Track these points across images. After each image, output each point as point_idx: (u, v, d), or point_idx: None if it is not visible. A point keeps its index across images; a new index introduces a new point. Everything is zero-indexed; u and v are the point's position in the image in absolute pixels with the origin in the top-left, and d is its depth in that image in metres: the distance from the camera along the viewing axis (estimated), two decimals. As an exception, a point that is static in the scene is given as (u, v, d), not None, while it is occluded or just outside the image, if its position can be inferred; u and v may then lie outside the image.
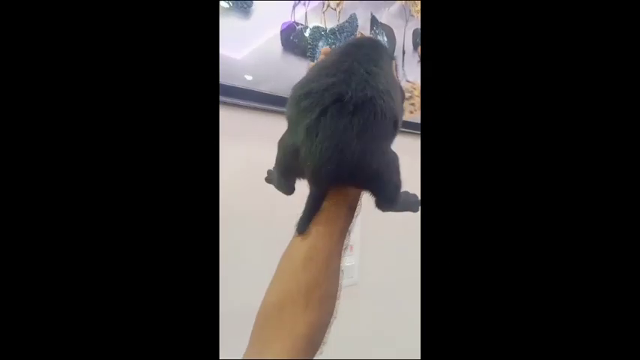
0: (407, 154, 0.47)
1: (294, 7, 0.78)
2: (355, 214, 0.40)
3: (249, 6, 0.71)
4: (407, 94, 1.00)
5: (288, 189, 0.43)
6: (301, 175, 0.38)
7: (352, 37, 0.88)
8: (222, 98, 0.67)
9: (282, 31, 0.76)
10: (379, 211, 0.45)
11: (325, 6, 0.83)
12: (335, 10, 0.85)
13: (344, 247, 0.39)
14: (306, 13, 0.80)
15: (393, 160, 0.38)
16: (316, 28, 0.82)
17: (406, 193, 0.45)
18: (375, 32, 0.93)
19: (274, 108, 0.73)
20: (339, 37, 0.85)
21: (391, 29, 0.96)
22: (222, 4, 0.68)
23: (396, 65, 0.43)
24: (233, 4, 0.69)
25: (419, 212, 0.50)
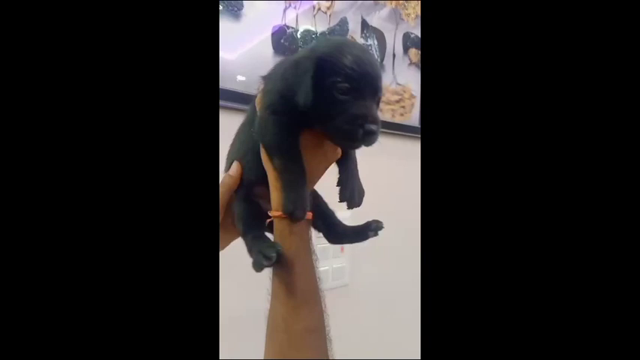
0: (398, 156, 0.47)
1: (284, 10, 0.78)
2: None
3: (240, 9, 0.71)
4: (397, 97, 1.01)
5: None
6: None
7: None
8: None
9: (273, 34, 0.76)
10: (368, 213, 0.45)
11: (316, 9, 0.84)
12: (326, 13, 0.85)
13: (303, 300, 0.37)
14: (297, 16, 0.80)
15: None
16: (307, 32, 0.82)
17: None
18: (365, 35, 0.93)
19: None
20: (329, 40, 0.86)
21: (382, 32, 0.97)
22: (212, 6, 0.68)
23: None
24: (223, 7, 0.69)
25: (410, 209, 0.49)
